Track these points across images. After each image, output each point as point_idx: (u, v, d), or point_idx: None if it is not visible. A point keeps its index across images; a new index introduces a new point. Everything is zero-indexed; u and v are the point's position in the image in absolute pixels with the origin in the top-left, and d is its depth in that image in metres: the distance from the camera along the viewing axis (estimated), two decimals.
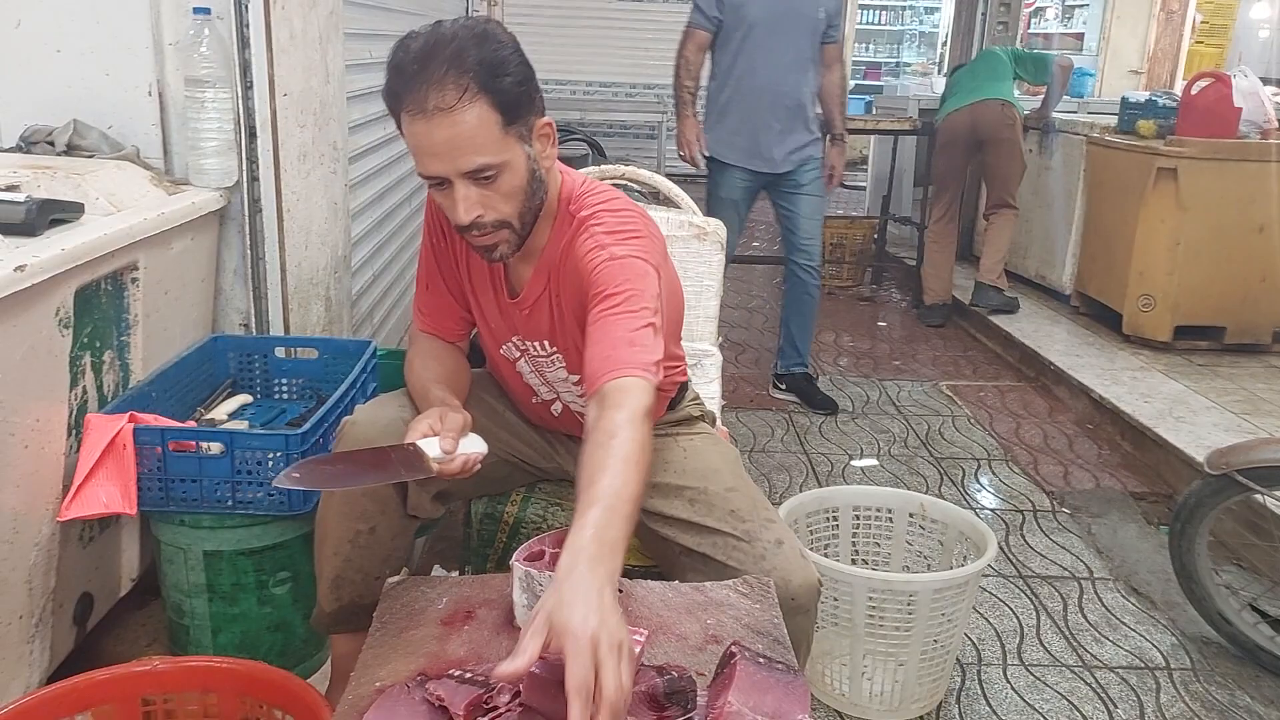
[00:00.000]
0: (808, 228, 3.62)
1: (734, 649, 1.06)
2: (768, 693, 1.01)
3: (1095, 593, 2.52)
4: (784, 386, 3.83)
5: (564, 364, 1.53)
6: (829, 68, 3.60)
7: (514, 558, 1.22)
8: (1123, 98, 4.66)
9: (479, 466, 1.38)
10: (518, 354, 1.57)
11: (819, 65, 3.54)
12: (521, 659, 0.94)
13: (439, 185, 1.31)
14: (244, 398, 2.07)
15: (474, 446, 1.37)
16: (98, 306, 1.71)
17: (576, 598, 0.96)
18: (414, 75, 1.24)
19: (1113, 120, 4.68)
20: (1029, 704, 2.08)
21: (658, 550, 1.53)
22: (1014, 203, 4.79)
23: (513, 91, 1.27)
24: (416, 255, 4.33)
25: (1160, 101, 4.38)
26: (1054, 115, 5.05)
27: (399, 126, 1.30)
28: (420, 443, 1.32)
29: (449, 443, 1.33)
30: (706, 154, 3.55)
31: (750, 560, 1.39)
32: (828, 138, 3.70)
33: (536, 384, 1.60)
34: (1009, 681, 2.15)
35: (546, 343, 1.51)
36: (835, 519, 2.22)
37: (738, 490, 1.49)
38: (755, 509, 1.46)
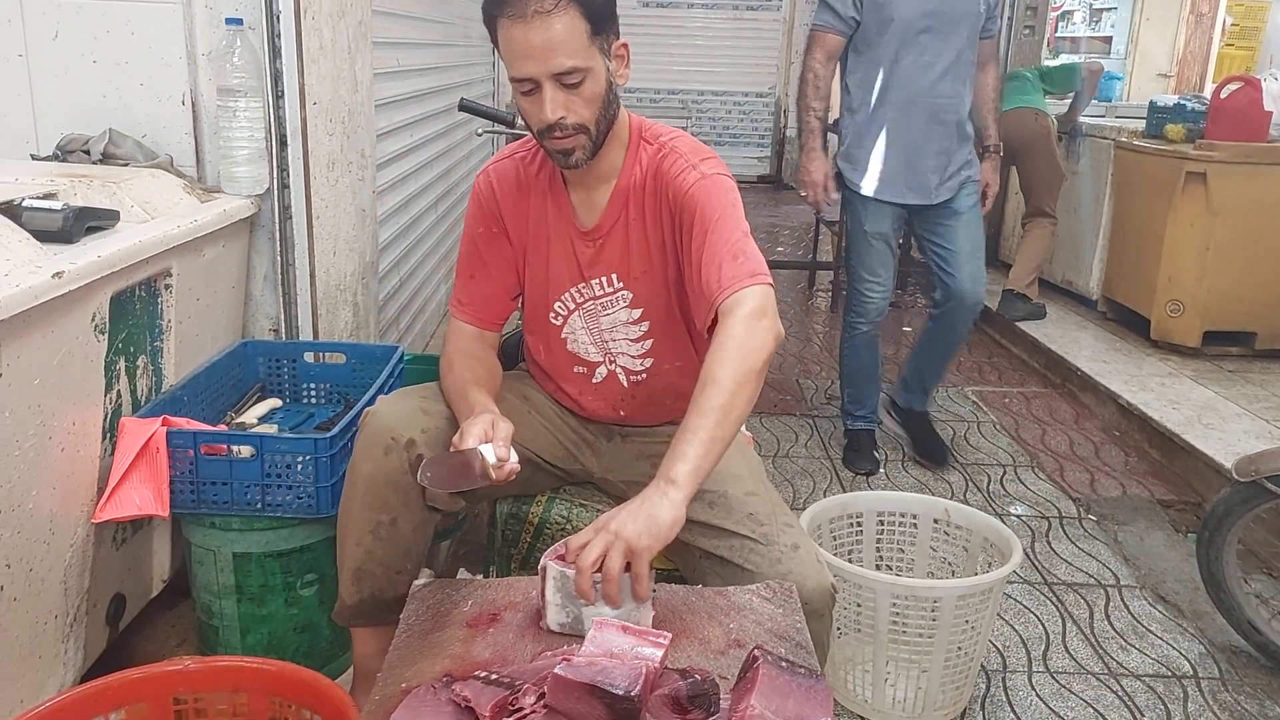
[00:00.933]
0: (971, 269, 2.98)
1: (757, 653, 1.07)
2: (790, 696, 1.02)
3: (1122, 600, 2.50)
4: (898, 420, 3.45)
5: (627, 301, 1.59)
6: (983, 66, 3.01)
7: (545, 558, 1.23)
8: (1151, 101, 4.61)
9: (514, 476, 1.42)
10: (573, 307, 1.62)
11: (974, 68, 2.96)
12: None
13: (528, 91, 1.43)
14: (273, 402, 2.11)
15: (513, 456, 1.41)
16: (132, 312, 1.74)
17: (630, 513, 1.24)
18: None
19: (1141, 124, 4.63)
20: (1054, 712, 2.07)
21: (678, 553, 1.54)
22: (1051, 212, 4.75)
23: (599, 4, 1.43)
24: (443, 261, 4.35)
25: (1189, 105, 4.34)
26: (1081, 120, 5.01)
27: (493, 35, 1.44)
28: (480, 448, 1.37)
29: (503, 450, 1.38)
30: (834, 198, 3.07)
31: (766, 563, 1.40)
32: (980, 151, 3.11)
33: (584, 344, 1.64)
34: (1034, 689, 2.14)
35: (615, 276, 1.58)
36: (859, 524, 2.22)
37: (757, 495, 1.50)
38: (774, 513, 1.47)
